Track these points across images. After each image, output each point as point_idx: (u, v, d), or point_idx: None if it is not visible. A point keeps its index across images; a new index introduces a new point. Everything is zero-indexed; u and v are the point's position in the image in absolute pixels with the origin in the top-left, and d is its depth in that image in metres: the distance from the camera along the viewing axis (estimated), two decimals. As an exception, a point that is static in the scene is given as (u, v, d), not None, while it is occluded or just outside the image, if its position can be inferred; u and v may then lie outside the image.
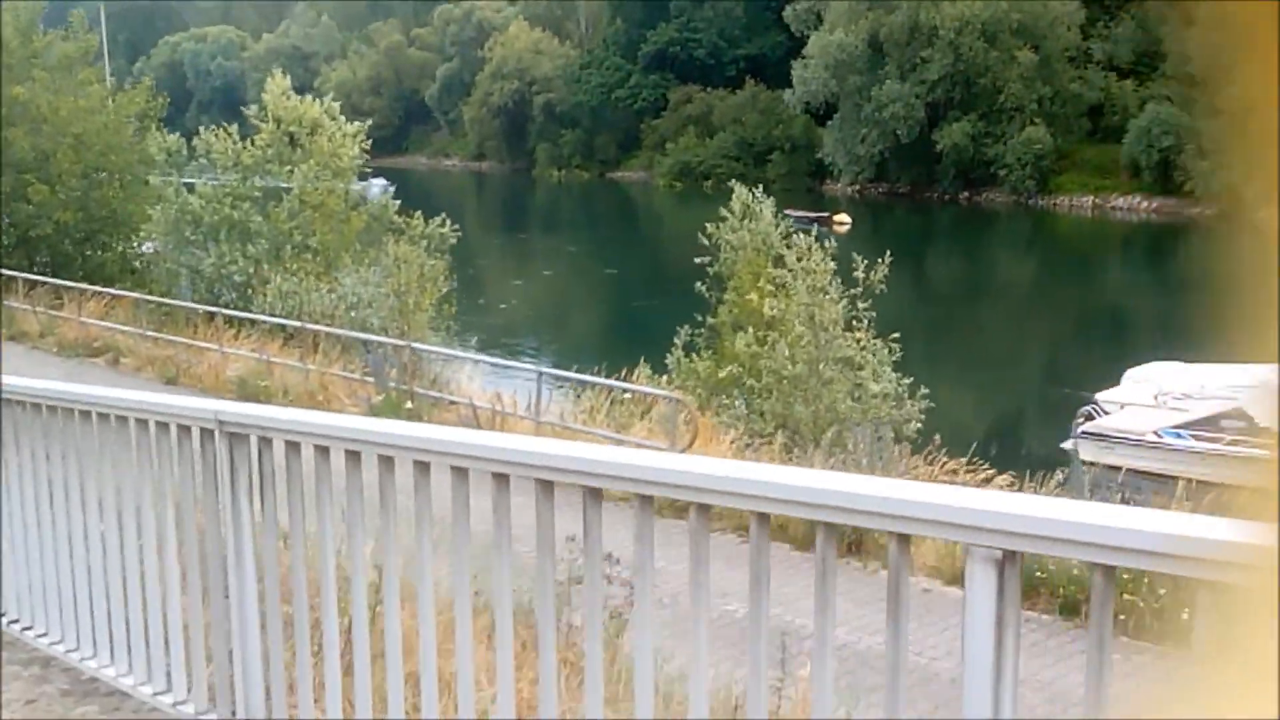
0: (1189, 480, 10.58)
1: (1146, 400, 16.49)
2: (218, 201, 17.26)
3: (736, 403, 11.89)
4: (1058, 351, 28.67)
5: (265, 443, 2.81)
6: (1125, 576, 6.92)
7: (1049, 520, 1.53)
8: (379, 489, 2.44)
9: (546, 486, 2.11)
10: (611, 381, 11.55)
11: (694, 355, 13.16)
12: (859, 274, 12.19)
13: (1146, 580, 6.75)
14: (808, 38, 58.37)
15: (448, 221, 16.87)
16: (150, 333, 14.99)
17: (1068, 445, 15.88)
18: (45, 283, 17.61)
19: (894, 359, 12.34)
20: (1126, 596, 6.77)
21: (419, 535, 2.39)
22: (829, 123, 58.88)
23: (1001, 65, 53.48)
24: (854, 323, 12.13)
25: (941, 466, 11.15)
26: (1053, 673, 6.53)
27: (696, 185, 63.40)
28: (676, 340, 13.17)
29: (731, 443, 10.47)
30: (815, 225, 15.34)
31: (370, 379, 11.79)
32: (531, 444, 2.37)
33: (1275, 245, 0.72)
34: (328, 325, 13.57)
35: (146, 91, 21.27)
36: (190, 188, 18.02)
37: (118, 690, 3.38)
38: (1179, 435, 15.39)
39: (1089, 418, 16.43)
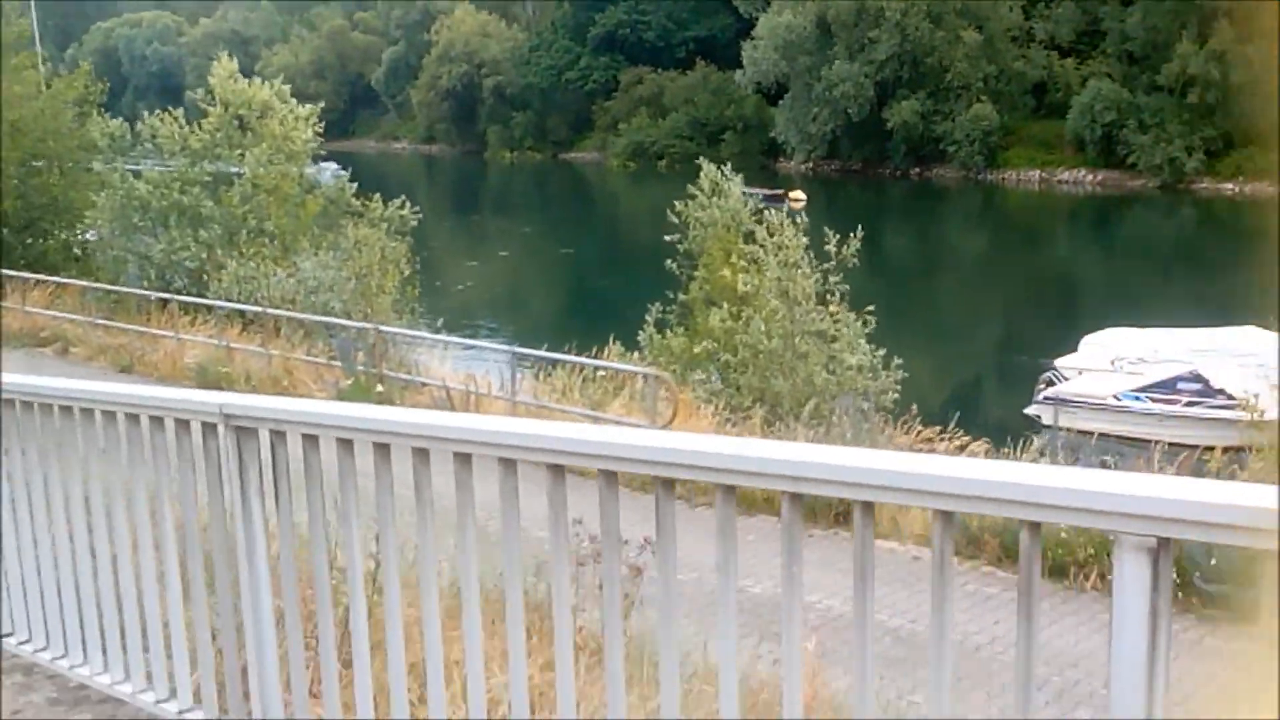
0: (1156, 442, 10.73)
1: (1104, 365, 16.74)
2: (166, 187, 16.72)
3: (712, 378, 11.78)
4: (1013, 320, 29.08)
5: (278, 437, 2.58)
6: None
7: (1207, 505, 1.38)
8: (414, 484, 2.24)
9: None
10: (592, 360, 11.37)
11: (666, 331, 13.00)
12: (829, 248, 12.15)
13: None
14: (756, 19, 58.58)
15: (407, 204, 16.51)
16: (101, 321, 14.47)
17: (1030, 411, 16.07)
18: None
19: (867, 331, 12.33)
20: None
21: (462, 532, 2.20)
22: (780, 102, 59.14)
23: (947, 45, 54.18)
24: (827, 296, 12.09)
25: (917, 435, 11.18)
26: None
27: (650, 165, 63.23)
28: (648, 318, 13.01)
29: (712, 416, 10.34)
30: (770, 202, 15.29)
31: (337, 363, 11.45)
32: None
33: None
34: (289, 310, 13.17)
35: (85, 76, 20.63)
36: (137, 174, 17.40)
37: (111, 698, 3.19)
38: (1137, 398, 15.63)
39: (1049, 383, 16.65)
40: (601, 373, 11.56)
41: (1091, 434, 12.27)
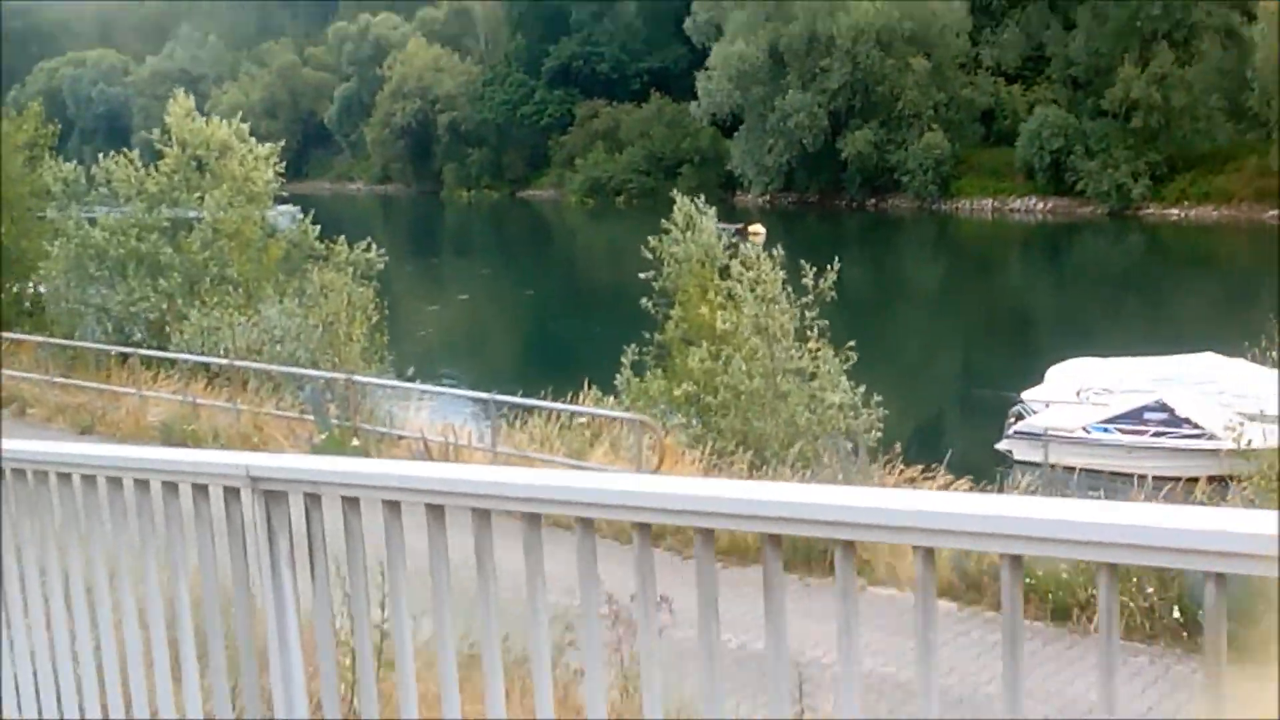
0: (1141, 476, 10.75)
1: (1069, 397, 16.85)
2: (123, 233, 16.23)
3: (693, 421, 11.61)
4: (974, 352, 29.31)
5: (313, 500, 2.37)
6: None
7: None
8: (475, 551, 2.05)
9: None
10: (577, 407, 11.12)
11: (643, 374, 12.80)
12: (806, 282, 12.08)
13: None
14: (709, 49, 59.10)
15: (372, 246, 16.21)
16: (58, 379, 13.93)
17: (1001, 446, 16.08)
18: None
19: (846, 368, 12.24)
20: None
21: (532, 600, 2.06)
22: (736, 134, 59.63)
23: (897, 73, 55.12)
24: (806, 332, 11.99)
25: (900, 474, 11.07)
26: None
27: (609, 202, 63.29)
28: (624, 359, 12.79)
29: (697, 462, 10.15)
30: (733, 235, 15.24)
31: (309, 416, 11.10)
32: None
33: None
34: (255, 361, 12.79)
35: (35, 119, 20.03)
36: (92, 221, 16.90)
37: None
38: (1106, 430, 15.73)
39: (1019, 417, 16.69)
40: (580, 419, 11.33)
41: (1073, 469, 12.27)
